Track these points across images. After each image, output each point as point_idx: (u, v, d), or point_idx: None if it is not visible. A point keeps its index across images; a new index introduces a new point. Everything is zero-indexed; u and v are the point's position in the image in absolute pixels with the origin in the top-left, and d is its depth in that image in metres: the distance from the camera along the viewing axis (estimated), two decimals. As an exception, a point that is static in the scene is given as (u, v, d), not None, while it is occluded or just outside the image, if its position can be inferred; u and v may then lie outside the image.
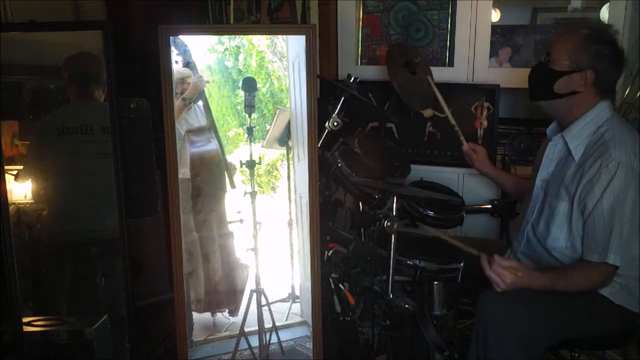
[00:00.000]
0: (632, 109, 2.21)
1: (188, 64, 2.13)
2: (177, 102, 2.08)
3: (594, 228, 1.65)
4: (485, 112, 2.46)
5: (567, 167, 1.75)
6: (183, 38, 2.01)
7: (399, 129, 2.59)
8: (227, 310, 2.38)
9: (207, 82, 2.31)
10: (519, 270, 1.64)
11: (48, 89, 2.18)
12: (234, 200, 2.27)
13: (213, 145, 2.28)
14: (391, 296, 1.77)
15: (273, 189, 2.58)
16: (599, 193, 1.62)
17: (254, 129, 2.13)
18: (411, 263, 1.81)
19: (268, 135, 2.31)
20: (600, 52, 1.67)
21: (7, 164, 2.01)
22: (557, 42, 1.75)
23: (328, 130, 2.08)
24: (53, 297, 2.16)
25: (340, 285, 1.96)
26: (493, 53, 2.50)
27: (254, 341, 2.17)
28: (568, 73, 1.70)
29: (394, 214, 1.74)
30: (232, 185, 2.28)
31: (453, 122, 2.18)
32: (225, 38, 2.33)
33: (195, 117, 2.32)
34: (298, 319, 2.33)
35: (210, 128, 2.28)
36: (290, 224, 2.33)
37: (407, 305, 1.76)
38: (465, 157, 2.18)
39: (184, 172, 2.21)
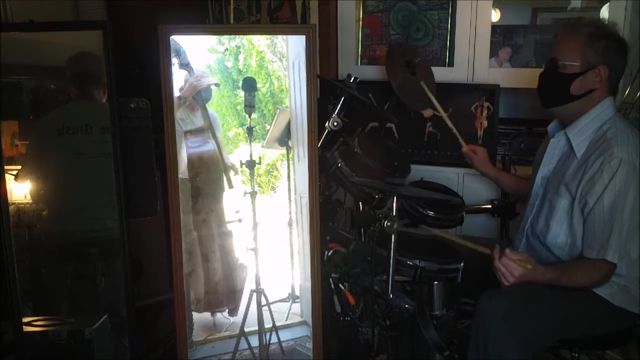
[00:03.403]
0: (632, 109, 2.21)
1: (186, 65, 2.13)
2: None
3: (594, 225, 1.65)
4: (485, 112, 2.46)
5: (568, 164, 1.75)
6: (180, 39, 2.00)
7: (399, 129, 2.59)
8: (227, 310, 2.38)
9: (217, 84, 2.31)
10: (529, 262, 1.62)
11: (48, 89, 2.18)
12: (233, 200, 2.27)
13: (211, 146, 2.28)
14: (391, 296, 1.77)
15: (273, 189, 2.57)
16: (600, 190, 1.63)
17: (254, 129, 2.13)
18: (411, 263, 1.81)
19: (268, 135, 2.31)
20: (608, 45, 1.68)
21: (7, 164, 2.01)
22: (561, 46, 1.74)
23: (328, 130, 2.07)
24: (53, 297, 2.16)
25: (340, 285, 1.96)
26: (493, 53, 2.50)
27: (254, 341, 2.17)
28: (582, 73, 1.70)
29: (394, 214, 1.74)
30: (230, 186, 2.28)
31: (450, 125, 2.18)
32: (225, 38, 2.33)
33: (199, 118, 2.32)
34: (298, 319, 2.32)
35: (208, 129, 2.28)
36: (290, 224, 2.33)
37: (407, 305, 1.76)
38: (466, 158, 2.18)
39: (183, 171, 2.21)
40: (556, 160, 1.81)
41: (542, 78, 1.81)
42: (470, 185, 2.47)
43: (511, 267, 1.61)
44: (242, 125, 2.27)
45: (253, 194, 2.13)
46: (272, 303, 2.22)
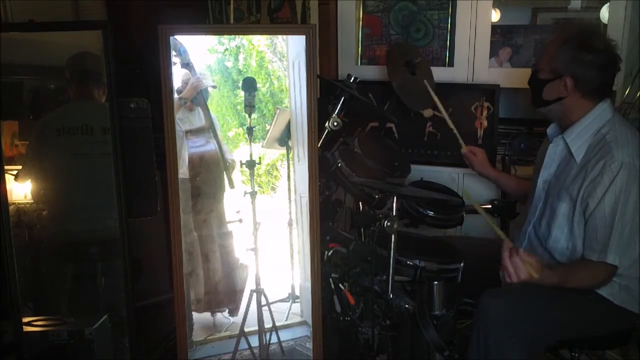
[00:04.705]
0: (632, 109, 2.21)
1: (187, 64, 2.13)
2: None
3: (595, 228, 1.65)
4: (485, 112, 2.46)
5: (568, 169, 1.75)
6: (181, 39, 2.00)
7: (399, 129, 2.59)
8: (227, 310, 2.38)
9: (215, 86, 2.31)
10: (537, 271, 1.55)
11: (48, 89, 2.19)
12: (234, 200, 2.27)
13: (212, 146, 2.29)
14: (391, 296, 1.77)
15: (273, 189, 2.58)
16: (600, 193, 1.63)
17: (254, 129, 2.13)
18: (411, 263, 1.81)
19: (268, 135, 2.31)
20: (577, 57, 1.67)
21: (7, 164, 2.01)
22: (542, 51, 1.79)
23: (328, 130, 2.07)
24: (53, 297, 2.16)
25: (340, 285, 1.96)
26: (493, 53, 2.50)
27: (254, 341, 2.17)
28: (551, 80, 1.72)
29: (394, 214, 1.74)
30: (231, 186, 2.28)
31: (451, 125, 2.18)
32: (225, 38, 2.33)
33: (198, 118, 2.33)
34: (298, 319, 2.32)
35: (209, 128, 2.28)
36: (290, 224, 2.33)
37: (407, 305, 1.76)
38: (465, 159, 2.18)
39: (183, 171, 2.21)
40: (556, 165, 1.81)
41: (529, 78, 1.84)
42: (470, 185, 2.47)
43: (520, 269, 1.54)
44: (242, 125, 2.27)
45: (253, 194, 2.13)
46: (272, 303, 2.21)
